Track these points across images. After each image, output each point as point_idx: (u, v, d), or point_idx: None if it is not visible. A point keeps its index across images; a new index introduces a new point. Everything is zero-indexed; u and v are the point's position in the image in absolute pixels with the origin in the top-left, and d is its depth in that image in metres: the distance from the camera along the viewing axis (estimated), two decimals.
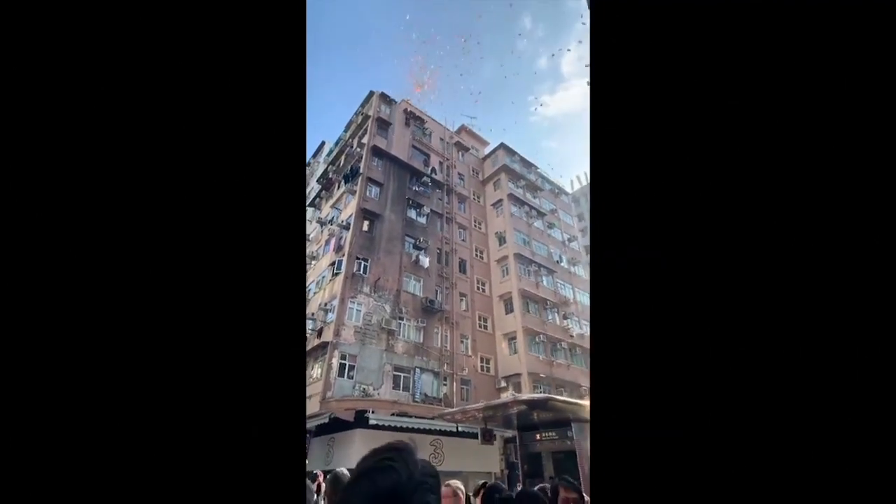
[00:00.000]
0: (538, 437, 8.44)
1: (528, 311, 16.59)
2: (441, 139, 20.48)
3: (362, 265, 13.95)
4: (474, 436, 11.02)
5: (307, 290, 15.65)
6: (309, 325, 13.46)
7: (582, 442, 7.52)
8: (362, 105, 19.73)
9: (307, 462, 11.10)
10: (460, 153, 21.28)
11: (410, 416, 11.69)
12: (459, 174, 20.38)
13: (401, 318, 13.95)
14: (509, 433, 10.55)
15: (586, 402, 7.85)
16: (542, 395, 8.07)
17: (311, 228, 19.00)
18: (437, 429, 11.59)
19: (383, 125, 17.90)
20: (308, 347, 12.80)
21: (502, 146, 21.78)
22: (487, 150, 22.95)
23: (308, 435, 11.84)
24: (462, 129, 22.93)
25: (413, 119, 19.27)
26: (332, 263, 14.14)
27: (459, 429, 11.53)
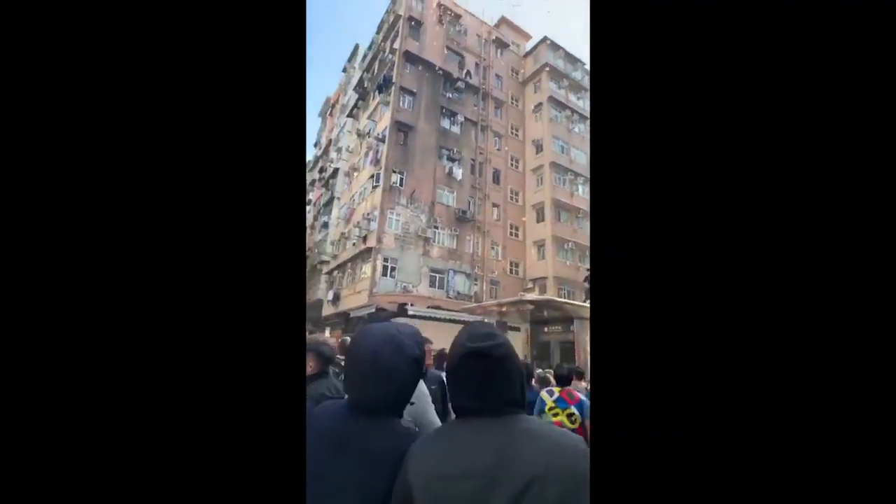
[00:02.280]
0: (546, 329, 9.97)
1: (560, 219, 17.14)
2: (478, 35, 19.04)
3: (398, 178, 14.93)
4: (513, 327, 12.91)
5: (352, 200, 17.21)
6: (355, 231, 15.29)
7: (580, 334, 8.91)
8: (392, 2, 18.44)
9: None
10: (499, 51, 19.81)
11: (443, 310, 13.74)
12: (497, 75, 19.32)
13: (436, 227, 15.28)
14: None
15: (585, 304, 9.02)
16: (544, 297, 9.31)
17: (351, 140, 19.80)
18: (467, 320, 13.63)
19: (415, 26, 16.95)
20: (356, 252, 14.80)
21: (545, 41, 19.81)
22: (530, 45, 21.02)
23: (363, 320, 14.50)
24: (502, 21, 20.85)
25: (447, 15, 17.89)
26: (372, 176, 15.26)
27: (486, 320, 13.47)
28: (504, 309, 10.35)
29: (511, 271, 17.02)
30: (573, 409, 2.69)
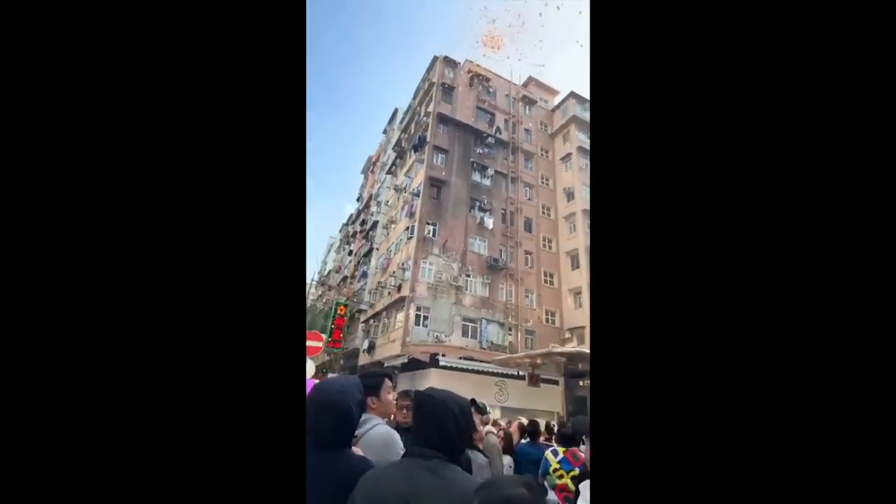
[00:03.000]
0: (581, 383, 9.47)
1: None
2: (507, 95, 20.28)
3: (431, 229, 15.55)
4: (548, 380, 12.40)
5: (389, 251, 17.98)
6: (391, 281, 15.82)
7: None
8: (427, 71, 20.33)
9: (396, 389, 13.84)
10: (527, 108, 20.87)
11: (476, 361, 13.49)
12: (526, 130, 20.20)
13: (468, 276, 15.47)
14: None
15: None
16: (575, 349, 8.97)
17: (389, 195, 21.08)
18: (500, 372, 13.24)
19: (448, 90, 18.46)
20: (391, 301, 15.21)
21: (572, 95, 20.68)
22: (557, 100, 21.98)
23: (395, 371, 14.54)
24: (529, 81, 22.16)
25: (477, 79, 19.36)
26: (407, 228, 16.01)
27: (520, 373, 13.01)
28: (537, 361, 10.04)
29: (547, 320, 16.56)
30: (577, 471, 2.62)
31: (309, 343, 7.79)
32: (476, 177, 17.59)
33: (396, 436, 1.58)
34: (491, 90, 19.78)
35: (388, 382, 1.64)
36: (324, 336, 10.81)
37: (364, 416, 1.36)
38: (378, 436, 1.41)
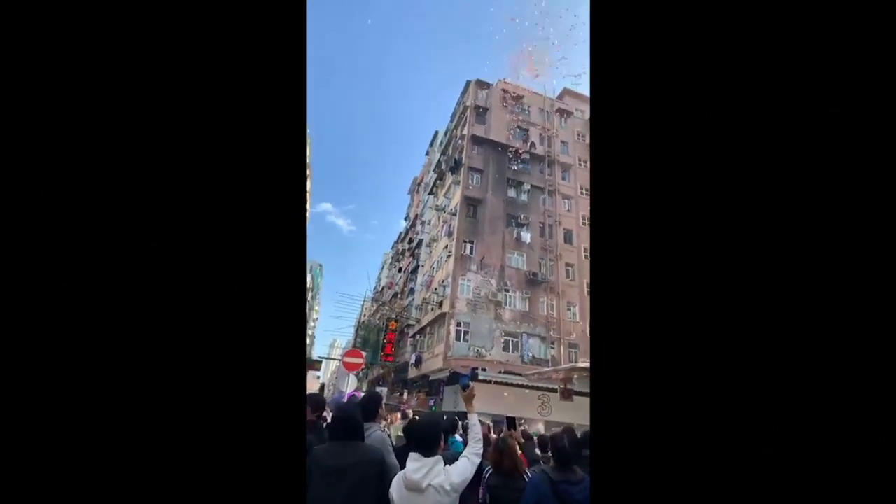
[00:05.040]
0: None
1: None
2: (541, 109, 20.53)
3: (469, 247, 16.19)
4: (581, 393, 12.34)
5: (432, 268, 18.89)
6: (434, 297, 16.67)
7: None
8: (462, 94, 21.28)
9: (441, 404, 14.52)
10: (563, 119, 20.90)
11: (516, 375, 13.73)
12: (563, 142, 20.23)
13: (506, 291, 15.82)
14: None
15: None
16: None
17: (431, 214, 22.13)
18: (542, 386, 13.33)
19: (481, 112, 19.20)
20: (434, 316, 16.01)
21: None
22: None
23: (441, 384, 15.23)
24: (564, 92, 22.18)
25: (510, 98, 19.90)
26: (446, 247, 16.82)
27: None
28: (572, 375, 10.11)
29: None
30: None
31: (351, 360, 8.79)
32: (512, 193, 17.99)
33: (387, 437, 2.69)
34: (524, 107, 20.16)
35: (382, 403, 2.84)
36: (363, 353, 11.81)
37: (367, 425, 2.26)
38: (377, 437, 2.34)
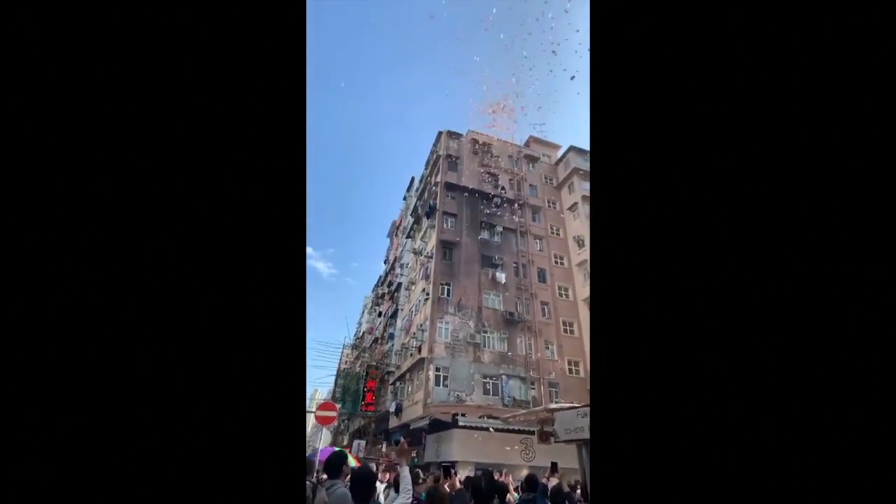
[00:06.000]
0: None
1: None
2: (510, 156, 21.80)
3: (445, 289, 16.42)
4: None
5: (410, 312, 18.89)
6: (412, 342, 16.55)
7: None
8: (434, 144, 22.45)
9: (423, 454, 14.01)
10: (530, 165, 22.21)
11: (497, 419, 13.52)
12: (532, 185, 21.37)
13: (484, 332, 15.93)
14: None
15: None
16: (582, 405, 9.00)
17: (409, 258, 22.45)
18: (523, 429, 13.13)
19: (453, 161, 20.25)
20: (413, 362, 15.83)
21: (572, 149, 21.89)
22: (560, 153, 23.24)
23: (423, 433, 14.77)
24: (530, 140, 23.73)
25: (480, 146, 21.13)
26: (423, 290, 16.99)
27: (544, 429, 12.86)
28: (549, 417, 10.08)
29: (570, 371, 16.37)
30: None
31: (324, 413, 8.56)
32: (485, 235, 18.62)
33: (348, 493, 2.94)
34: (494, 154, 21.39)
35: (347, 462, 2.95)
36: (337, 406, 11.50)
37: (330, 482, 2.46)
38: (339, 493, 2.52)
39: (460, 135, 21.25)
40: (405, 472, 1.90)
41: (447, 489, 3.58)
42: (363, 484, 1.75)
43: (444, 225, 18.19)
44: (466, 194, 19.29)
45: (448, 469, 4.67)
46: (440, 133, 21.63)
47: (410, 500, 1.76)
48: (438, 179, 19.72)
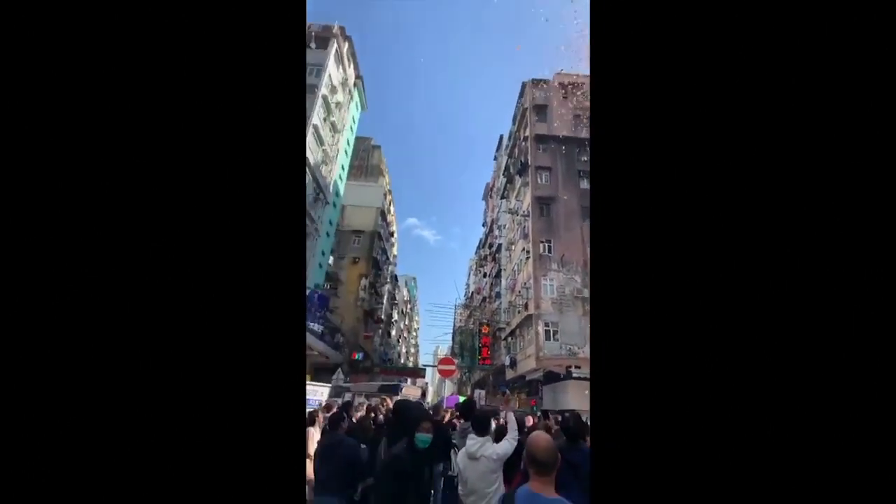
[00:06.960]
0: None
1: None
2: None
3: (546, 246, 16.28)
4: None
5: (513, 271, 19.30)
6: (519, 300, 17.07)
7: None
8: (520, 97, 21.44)
9: (541, 402, 14.82)
10: None
11: None
12: None
13: None
14: None
15: None
16: None
17: (506, 218, 22.56)
18: None
19: (541, 110, 19.18)
20: (521, 318, 16.40)
21: None
22: None
23: (539, 383, 15.51)
24: None
25: (569, 87, 19.51)
26: (524, 249, 17.13)
27: None
28: None
29: None
30: None
31: (445, 367, 9.76)
32: (585, 184, 17.57)
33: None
34: (586, 93, 19.53)
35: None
36: (454, 360, 12.71)
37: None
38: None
39: (546, 81, 19.85)
40: (511, 418, 2.36)
41: (544, 430, 4.03)
42: (483, 422, 2.25)
43: (539, 180, 17.69)
44: (560, 145, 18.27)
45: (546, 413, 5.33)
46: (524, 84, 20.54)
47: (516, 443, 2.21)
48: (527, 133, 19.02)
